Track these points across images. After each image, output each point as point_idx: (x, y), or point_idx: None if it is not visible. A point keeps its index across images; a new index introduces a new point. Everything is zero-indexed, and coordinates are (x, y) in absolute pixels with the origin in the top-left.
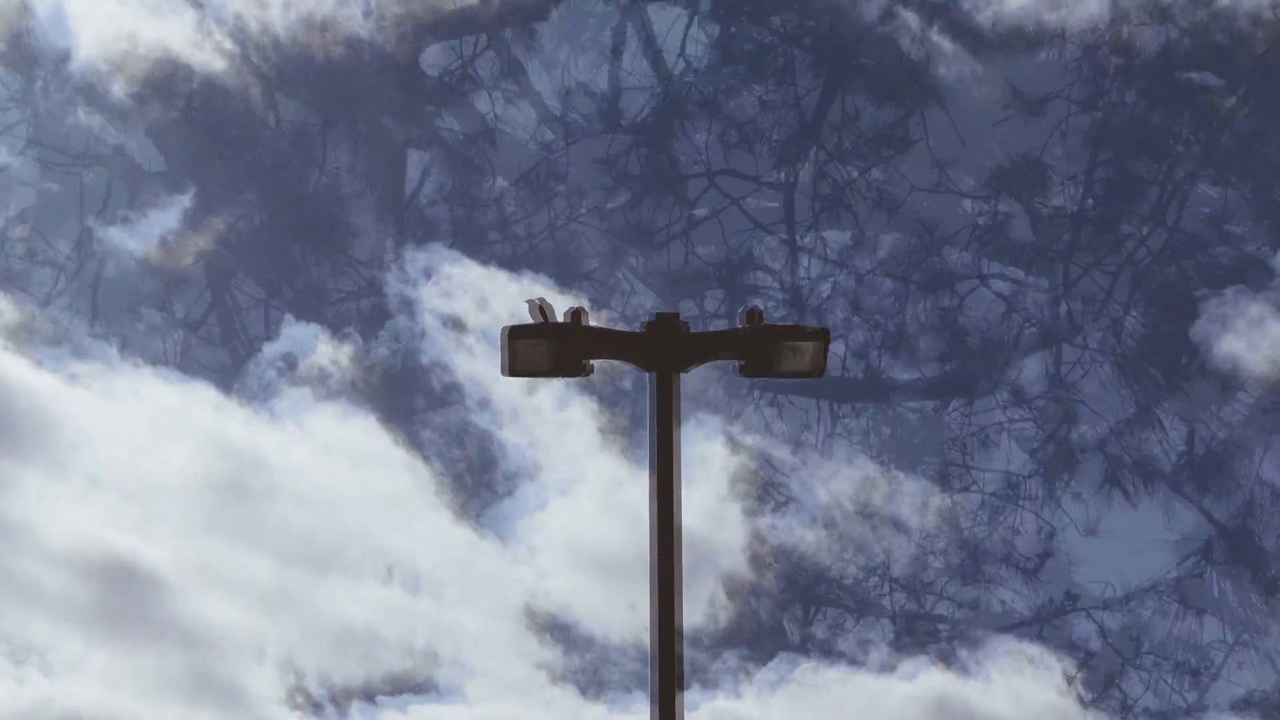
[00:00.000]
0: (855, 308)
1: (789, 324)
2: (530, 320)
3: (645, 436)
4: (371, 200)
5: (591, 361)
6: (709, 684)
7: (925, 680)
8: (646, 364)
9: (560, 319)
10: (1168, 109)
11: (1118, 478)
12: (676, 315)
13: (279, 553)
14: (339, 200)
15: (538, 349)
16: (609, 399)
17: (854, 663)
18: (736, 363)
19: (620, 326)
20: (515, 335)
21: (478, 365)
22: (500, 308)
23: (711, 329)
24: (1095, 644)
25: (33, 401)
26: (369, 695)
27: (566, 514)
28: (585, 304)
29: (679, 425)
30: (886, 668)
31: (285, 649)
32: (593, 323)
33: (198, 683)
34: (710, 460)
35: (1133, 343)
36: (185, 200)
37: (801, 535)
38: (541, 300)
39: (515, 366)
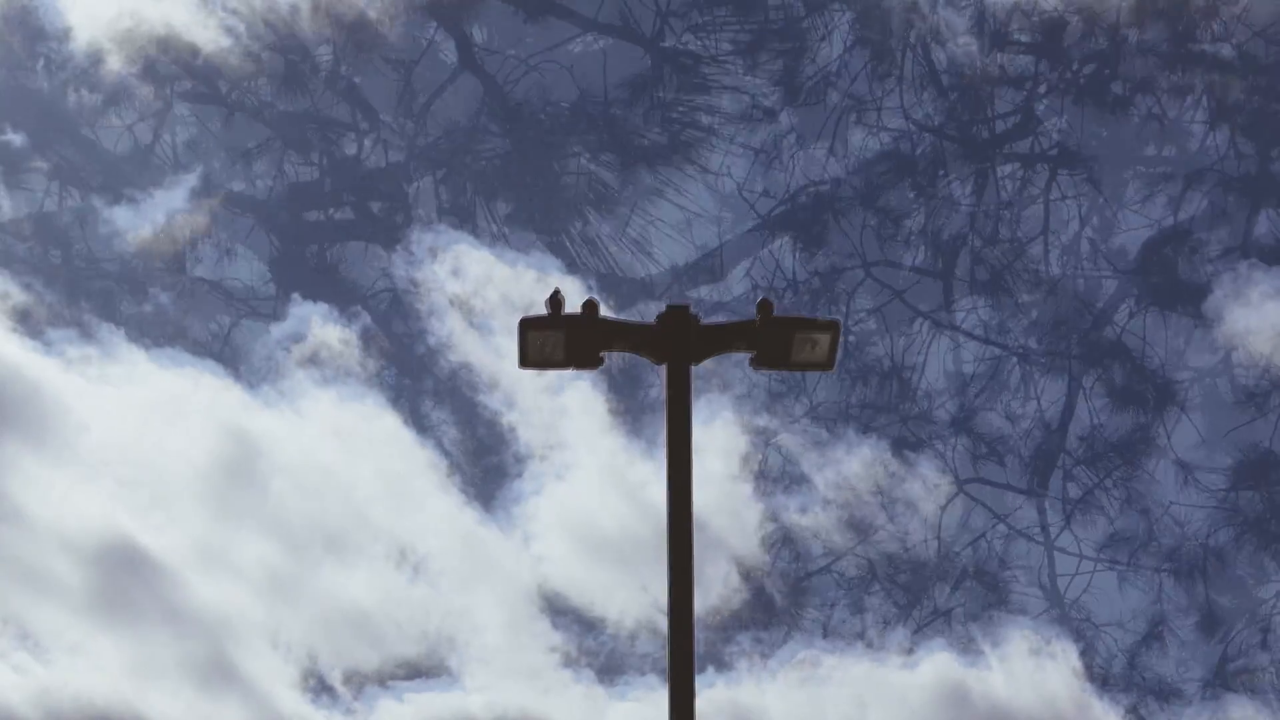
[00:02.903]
0: None
1: (801, 315)
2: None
3: (655, 419)
4: (378, 177)
5: (603, 353)
6: (722, 666)
7: (938, 664)
8: (659, 356)
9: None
10: None
11: None
12: (688, 307)
13: (286, 537)
14: (345, 179)
15: (550, 341)
16: (619, 381)
17: (870, 646)
18: (747, 355)
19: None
20: (527, 327)
21: (486, 346)
22: (508, 288)
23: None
24: None
25: (36, 384)
26: (380, 679)
27: (576, 496)
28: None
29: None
30: (901, 650)
31: (293, 634)
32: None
33: (206, 668)
34: (720, 440)
35: None
36: (191, 179)
37: (814, 516)
38: (555, 291)
39: (528, 358)
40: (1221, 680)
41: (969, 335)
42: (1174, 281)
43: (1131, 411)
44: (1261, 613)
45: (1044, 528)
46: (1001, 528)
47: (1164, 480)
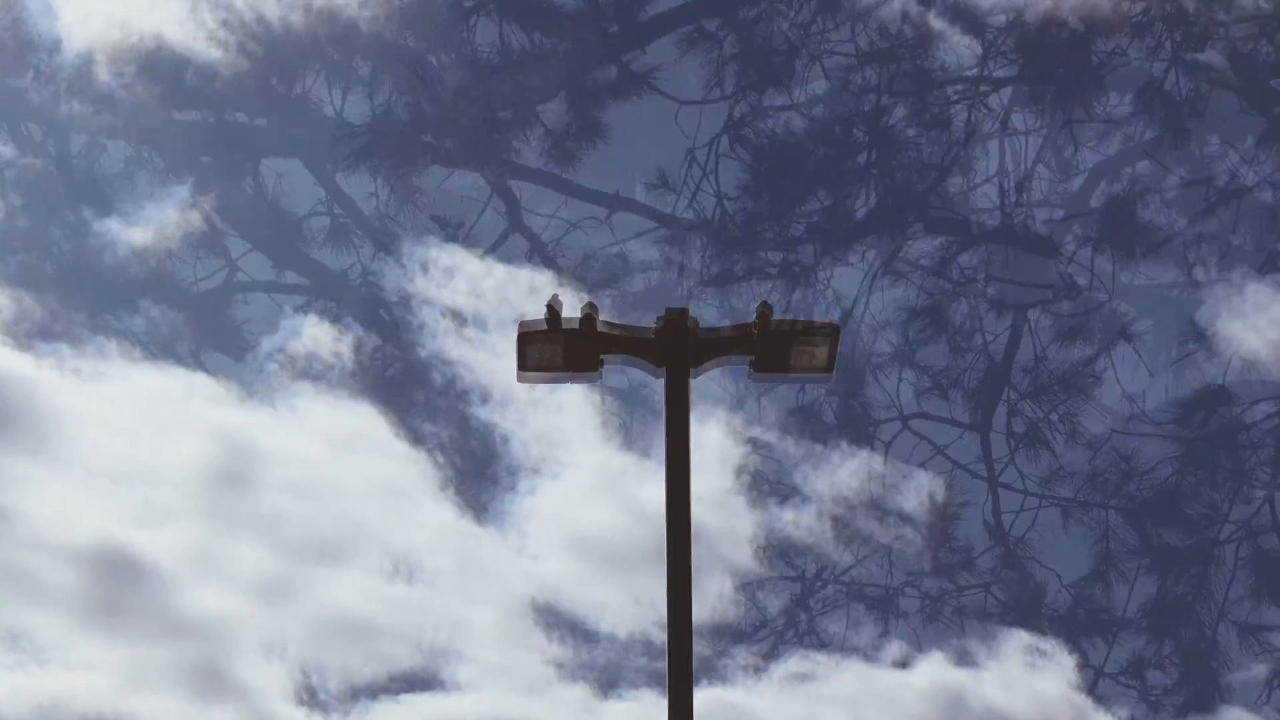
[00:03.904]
0: None
1: (800, 321)
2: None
3: (649, 428)
4: (370, 187)
5: (603, 360)
6: (718, 678)
7: (936, 674)
8: (658, 363)
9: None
10: None
11: None
12: (686, 313)
13: (280, 544)
14: (336, 189)
15: (549, 350)
16: (613, 388)
17: (866, 658)
18: (747, 361)
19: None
20: (526, 338)
21: (478, 356)
22: (500, 299)
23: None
24: None
25: (30, 393)
26: (373, 688)
27: (570, 503)
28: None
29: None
30: (898, 663)
31: (288, 641)
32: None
33: (200, 675)
34: (715, 451)
35: None
36: (182, 190)
37: (809, 527)
38: (554, 299)
39: (527, 368)
40: (1167, 616)
41: (918, 267)
42: (1127, 218)
43: (1078, 345)
44: (1209, 549)
45: (988, 463)
46: (944, 462)
47: (1110, 414)
